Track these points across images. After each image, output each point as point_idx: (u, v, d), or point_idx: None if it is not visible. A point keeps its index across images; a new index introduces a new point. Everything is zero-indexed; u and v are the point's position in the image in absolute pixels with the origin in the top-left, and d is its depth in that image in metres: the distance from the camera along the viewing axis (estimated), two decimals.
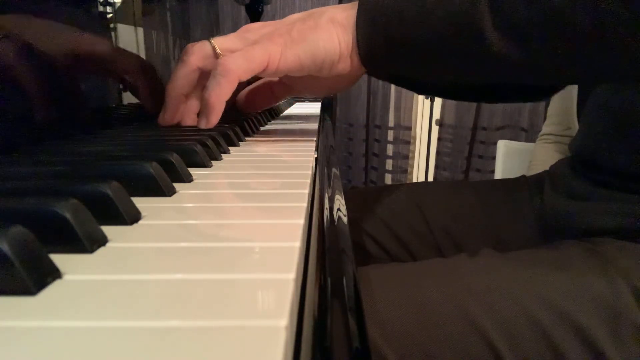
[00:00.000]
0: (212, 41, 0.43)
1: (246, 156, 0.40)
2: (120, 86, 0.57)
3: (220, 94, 0.41)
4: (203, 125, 0.43)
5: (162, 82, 0.52)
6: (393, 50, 0.39)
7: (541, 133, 1.16)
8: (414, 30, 0.37)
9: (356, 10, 0.40)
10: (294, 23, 0.42)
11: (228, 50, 0.43)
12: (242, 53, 0.40)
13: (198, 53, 0.44)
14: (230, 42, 0.44)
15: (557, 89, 0.58)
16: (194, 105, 0.47)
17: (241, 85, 0.45)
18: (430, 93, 0.62)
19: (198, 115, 0.47)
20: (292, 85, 0.52)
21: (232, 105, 0.57)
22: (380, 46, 0.39)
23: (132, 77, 0.53)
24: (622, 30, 0.32)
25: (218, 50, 0.43)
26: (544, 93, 0.58)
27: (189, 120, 0.47)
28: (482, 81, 0.52)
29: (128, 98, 0.58)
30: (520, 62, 0.36)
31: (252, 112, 0.59)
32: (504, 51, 0.35)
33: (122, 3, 0.57)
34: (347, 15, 0.41)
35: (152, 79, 0.53)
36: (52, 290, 0.14)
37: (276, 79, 0.53)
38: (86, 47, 0.46)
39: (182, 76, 0.44)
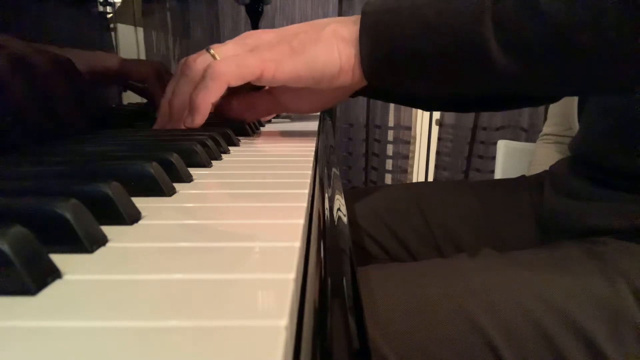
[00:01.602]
0: (212, 51, 0.43)
1: (246, 156, 0.40)
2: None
3: (206, 97, 0.40)
4: (188, 124, 0.42)
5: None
6: (396, 64, 0.39)
7: (542, 133, 1.16)
8: (416, 46, 0.38)
9: (359, 25, 0.40)
10: (297, 33, 0.42)
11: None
12: (235, 58, 0.40)
13: (201, 64, 0.42)
14: (228, 49, 0.43)
15: (557, 98, 0.59)
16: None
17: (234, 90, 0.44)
18: (431, 108, 0.62)
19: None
20: (284, 103, 0.50)
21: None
22: (383, 60, 0.39)
23: (146, 83, 0.52)
24: (623, 46, 0.32)
25: (218, 58, 0.42)
26: (543, 100, 0.58)
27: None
28: (483, 93, 0.52)
29: (128, 98, 0.58)
30: (522, 77, 0.37)
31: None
32: (507, 66, 0.36)
33: (122, 3, 0.57)
34: (349, 30, 0.40)
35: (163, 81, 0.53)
36: (52, 290, 0.14)
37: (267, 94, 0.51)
38: (93, 64, 0.46)
39: (184, 92, 0.43)
